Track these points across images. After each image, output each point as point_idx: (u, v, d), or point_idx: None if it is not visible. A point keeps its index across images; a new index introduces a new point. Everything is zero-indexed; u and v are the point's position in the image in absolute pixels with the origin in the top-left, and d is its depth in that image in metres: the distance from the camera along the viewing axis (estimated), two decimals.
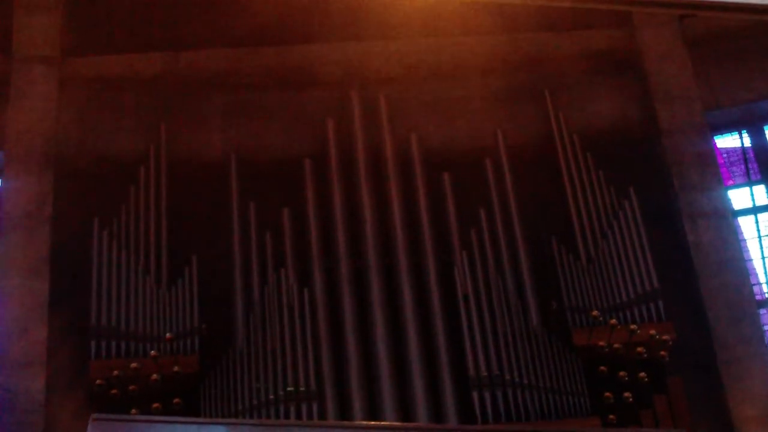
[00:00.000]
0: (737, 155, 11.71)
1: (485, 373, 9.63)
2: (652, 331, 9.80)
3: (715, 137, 11.60)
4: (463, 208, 10.63)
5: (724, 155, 11.72)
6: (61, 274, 10.20)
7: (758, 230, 11.26)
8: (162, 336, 9.74)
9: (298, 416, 9.40)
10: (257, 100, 11.46)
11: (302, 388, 9.52)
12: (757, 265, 11.15)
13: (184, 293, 10.06)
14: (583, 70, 11.58)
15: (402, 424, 9.37)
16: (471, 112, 11.40)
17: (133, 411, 9.37)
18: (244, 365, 9.73)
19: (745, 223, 11.36)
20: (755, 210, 11.41)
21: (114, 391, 9.53)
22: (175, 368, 9.56)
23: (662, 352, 9.88)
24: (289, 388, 9.49)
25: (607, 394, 9.81)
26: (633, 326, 9.78)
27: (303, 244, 10.50)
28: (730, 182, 11.59)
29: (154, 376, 9.48)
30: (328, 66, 11.49)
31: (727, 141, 11.85)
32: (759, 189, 11.53)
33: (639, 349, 9.85)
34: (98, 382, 9.52)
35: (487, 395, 9.55)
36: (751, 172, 11.58)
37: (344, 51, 11.52)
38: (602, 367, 9.90)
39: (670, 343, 9.86)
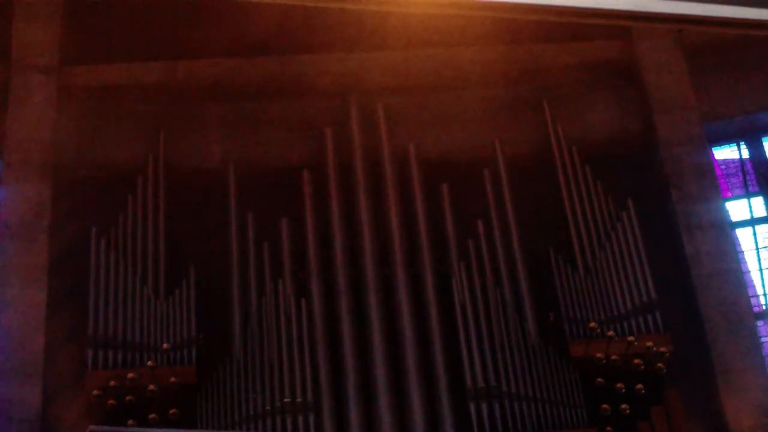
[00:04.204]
0: (735, 167, 11.72)
1: (482, 385, 9.63)
2: (650, 343, 9.81)
3: (713, 149, 11.61)
4: (461, 218, 10.63)
5: (722, 167, 11.73)
6: (59, 283, 10.19)
7: (756, 242, 11.27)
8: (159, 346, 9.73)
9: (295, 428, 9.40)
10: (256, 109, 11.46)
11: (299, 400, 9.51)
12: (755, 276, 11.16)
13: (181, 303, 10.05)
14: (582, 81, 11.59)
15: None
16: (469, 122, 11.41)
17: (130, 422, 9.38)
18: (241, 376, 9.72)
19: (743, 235, 11.38)
20: (753, 222, 11.43)
21: (111, 402, 9.53)
22: (172, 379, 9.56)
23: (660, 364, 9.89)
24: (286, 399, 9.49)
25: (605, 406, 9.83)
26: (630, 338, 9.78)
27: (301, 254, 10.50)
28: (728, 194, 11.60)
29: (151, 386, 9.48)
30: (327, 76, 11.50)
31: (725, 152, 11.86)
32: (757, 201, 11.54)
33: (636, 360, 9.86)
34: (95, 392, 9.51)
35: (484, 407, 9.55)
36: (749, 183, 11.58)
37: (343, 61, 11.53)
38: (599, 379, 9.90)
39: (668, 354, 9.87)
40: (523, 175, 11.00)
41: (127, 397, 9.54)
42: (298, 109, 11.46)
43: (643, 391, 9.82)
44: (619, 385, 9.85)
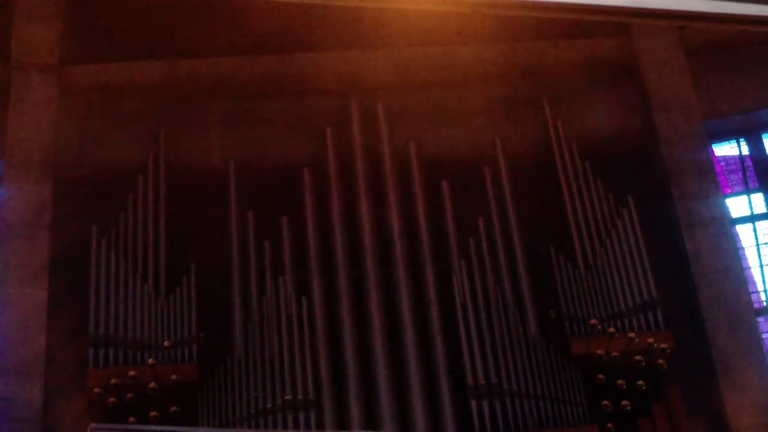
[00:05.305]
0: (735, 164, 11.73)
1: (483, 382, 9.63)
2: (651, 340, 9.81)
3: (713, 146, 11.63)
4: (462, 216, 10.64)
5: (723, 164, 11.75)
6: (60, 282, 10.21)
7: (756, 238, 11.28)
8: (160, 344, 9.74)
9: (296, 425, 9.40)
10: (256, 108, 11.47)
11: (300, 397, 9.52)
12: (755, 273, 11.17)
13: (182, 301, 10.05)
14: (582, 79, 11.60)
15: None
16: (469, 120, 11.42)
17: (131, 420, 9.39)
18: (242, 374, 9.73)
19: (743, 232, 11.38)
20: (753, 218, 11.44)
21: (112, 400, 9.54)
22: (173, 377, 9.56)
23: (660, 361, 9.89)
24: (287, 397, 9.50)
25: (606, 402, 9.84)
26: (631, 335, 9.79)
27: (301, 252, 10.51)
28: (728, 191, 11.61)
29: (152, 384, 9.49)
30: (327, 74, 11.51)
31: (726, 149, 11.88)
32: (757, 197, 11.55)
33: (637, 357, 9.86)
34: (96, 390, 9.52)
35: (485, 404, 9.55)
36: (749, 180, 11.60)
37: (343, 59, 11.54)
38: (600, 376, 9.91)
39: (669, 351, 9.87)
40: (523, 173, 11.01)
41: (128, 395, 9.55)
42: (299, 108, 11.47)
43: (644, 388, 9.83)
44: (620, 381, 9.86)
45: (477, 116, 11.46)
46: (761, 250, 11.20)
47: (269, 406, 9.50)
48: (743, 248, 11.20)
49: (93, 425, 7.19)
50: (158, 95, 11.36)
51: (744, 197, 11.57)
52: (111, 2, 11.50)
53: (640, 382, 9.84)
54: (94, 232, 10.24)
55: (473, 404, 9.56)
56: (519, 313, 10.15)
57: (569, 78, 11.60)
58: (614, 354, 9.79)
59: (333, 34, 11.45)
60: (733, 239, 10.87)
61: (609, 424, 9.71)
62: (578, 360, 9.90)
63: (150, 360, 9.57)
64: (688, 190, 10.82)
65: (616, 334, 9.79)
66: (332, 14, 11.21)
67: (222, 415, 9.52)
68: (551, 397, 9.69)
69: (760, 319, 10.78)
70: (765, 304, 11.03)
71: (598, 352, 9.81)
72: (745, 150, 11.77)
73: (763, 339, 10.54)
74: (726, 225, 10.80)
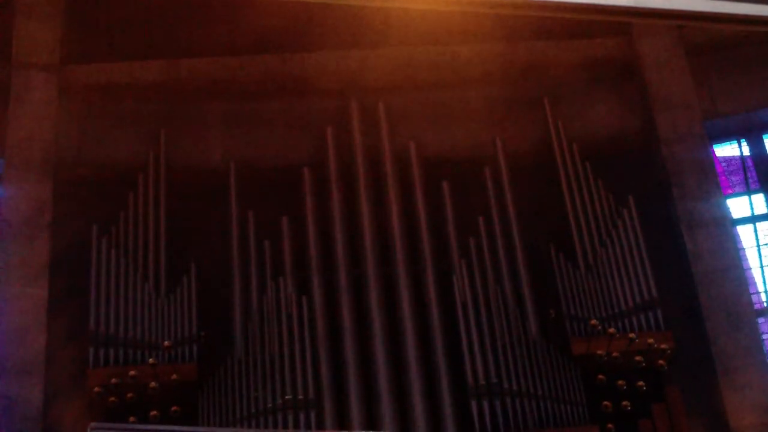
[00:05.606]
0: (736, 164, 11.72)
1: (484, 382, 9.64)
2: (651, 340, 9.82)
3: (714, 146, 11.63)
4: (462, 216, 10.65)
5: (723, 164, 11.74)
6: (61, 281, 10.22)
7: (757, 239, 11.28)
8: (160, 344, 9.74)
9: (296, 425, 9.40)
10: (257, 108, 11.48)
11: (300, 397, 9.52)
12: (756, 274, 11.16)
13: (182, 301, 10.07)
14: (583, 79, 11.60)
15: None
16: (470, 120, 11.43)
17: (131, 419, 9.40)
18: (242, 373, 9.73)
19: (744, 232, 11.38)
20: (754, 219, 11.43)
21: (112, 399, 9.54)
22: (174, 376, 9.57)
23: (661, 361, 9.89)
24: (287, 397, 9.50)
25: (606, 403, 9.84)
26: (631, 335, 9.79)
27: (302, 252, 10.51)
28: (729, 191, 11.60)
29: (153, 383, 9.49)
30: (327, 74, 11.51)
31: (726, 150, 11.87)
32: (758, 198, 11.54)
33: (637, 358, 9.87)
34: (96, 389, 9.53)
35: (485, 404, 9.55)
36: (750, 181, 11.59)
37: (344, 59, 11.54)
38: (601, 376, 9.91)
39: (669, 352, 9.88)
40: (523, 173, 11.01)
41: (129, 395, 9.56)
42: (299, 108, 11.48)
43: (645, 388, 9.83)
44: (620, 382, 9.86)
45: (477, 116, 11.46)
46: (762, 251, 11.19)
47: (269, 405, 9.51)
48: (744, 249, 11.19)
49: (93, 424, 7.17)
50: (158, 95, 11.36)
51: (745, 198, 11.56)
52: (111, 2, 11.50)
53: (641, 383, 9.84)
54: (94, 231, 10.25)
55: (473, 404, 9.56)
56: (519, 312, 10.15)
57: (569, 78, 11.61)
58: (615, 354, 9.79)
59: (333, 33, 11.45)
60: (734, 240, 10.86)
61: (609, 425, 9.71)
62: (578, 360, 9.90)
63: (150, 359, 9.57)
64: (689, 191, 10.81)
65: (617, 335, 9.78)
66: (332, 14, 11.22)
67: (222, 415, 9.52)
68: (551, 397, 9.69)
69: (760, 320, 10.76)
70: (765, 304, 11.02)
71: (599, 352, 9.81)
72: (746, 150, 11.76)
73: (763, 340, 10.52)
74: (726, 225, 10.79)
